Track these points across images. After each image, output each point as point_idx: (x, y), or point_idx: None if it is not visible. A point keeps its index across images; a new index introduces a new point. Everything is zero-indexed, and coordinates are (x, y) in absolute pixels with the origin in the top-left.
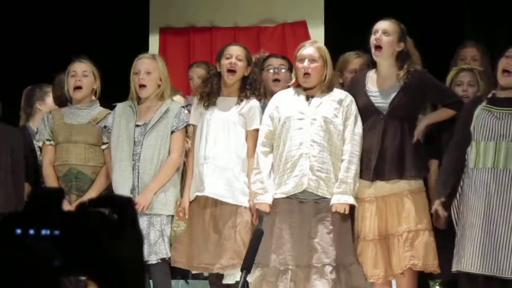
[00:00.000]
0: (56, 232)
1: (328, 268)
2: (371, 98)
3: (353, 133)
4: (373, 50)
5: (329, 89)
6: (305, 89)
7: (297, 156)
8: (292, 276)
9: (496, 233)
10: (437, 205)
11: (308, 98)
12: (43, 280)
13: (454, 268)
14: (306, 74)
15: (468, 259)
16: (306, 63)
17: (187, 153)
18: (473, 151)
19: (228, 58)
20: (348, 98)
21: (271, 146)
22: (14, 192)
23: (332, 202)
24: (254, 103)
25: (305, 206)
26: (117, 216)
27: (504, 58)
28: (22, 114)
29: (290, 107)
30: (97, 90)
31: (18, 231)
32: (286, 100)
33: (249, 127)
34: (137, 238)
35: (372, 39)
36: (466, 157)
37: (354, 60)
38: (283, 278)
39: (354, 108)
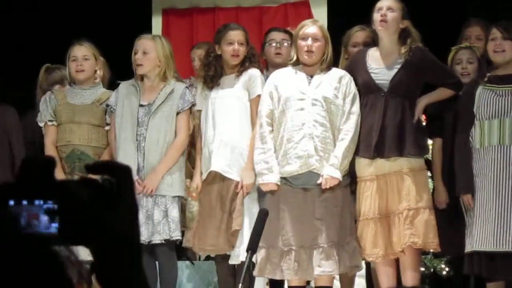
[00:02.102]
0: (50, 202)
1: (334, 248)
2: (372, 75)
3: (349, 111)
4: (377, 25)
5: (328, 68)
6: (304, 67)
7: (300, 137)
8: (296, 256)
9: (508, 209)
10: (467, 200)
11: (308, 77)
12: (38, 251)
13: (468, 249)
14: (310, 51)
15: (482, 238)
16: (310, 41)
17: (193, 136)
18: (477, 130)
19: (230, 44)
20: (347, 76)
21: (272, 125)
22: (10, 172)
23: (322, 174)
24: (253, 71)
25: (310, 189)
26: (115, 183)
27: (491, 41)
28: (39, 92)
29: (290, 87)
30: (98, 71)
31: (11, 202)
32: (285, 79)
33: (251, 96)
34: (133, 207)
35: (377, 16)
36: (471, 138)
37: (355, 34)
38: (286, 259)
39: (353, 86)
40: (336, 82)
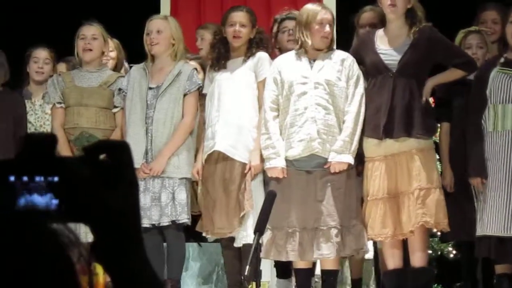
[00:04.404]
0: (50, 179)
1: (334, 231)
2: (381, 55)
3: (353, 93)
4: (386, 9)
5: (331, 49)
6: (308, 51)
7: (303, 121)
8: (299, 238)
9: None
10: (478, 184)
11: (310, 61)
12: (36, 227)
13: (479, 233)
14: (326, 37)
15: (492, 223)
16: (328, 28)
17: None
18: (491, 114)
19: (232, 25)
20: (349, 58)
21: (278, 110)
22: None
23: (329, 159)
24: (261, 54)
25: (312, 171)
26: (113, 161)
27: (511, 24)
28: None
29: (293, 72)
30: (106, 53)
31: (11, 178)
32: (288, 64)
33: (259, 78)
34: (133, 184)
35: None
36: (483, 121)
37: (362, 15)
38: (290, 241)
39: (356, 68)
40: (339, 65)
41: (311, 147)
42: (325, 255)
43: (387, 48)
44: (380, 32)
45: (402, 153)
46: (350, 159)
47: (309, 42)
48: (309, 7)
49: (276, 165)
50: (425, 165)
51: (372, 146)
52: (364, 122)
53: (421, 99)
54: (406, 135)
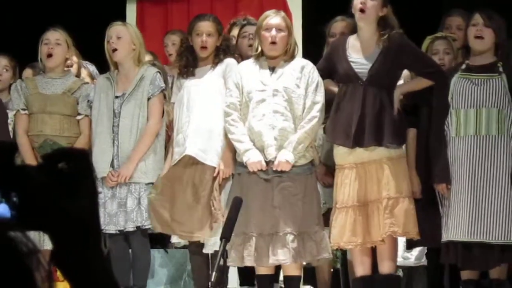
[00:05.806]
0: (9, 188)
1: (290, 237)
2: (352, 64)
3: (313, 101)
4: (357, 13)
5: (291, 58)
6: (268, 59)
7: (260, 128)
8: (255, 244)
9: (482, 199)
10: (442, 189)
11: (270, 69)
12: None
13: (444, 238)
14: (273, 43)
15: (457, 228)
16: (274, 32)
17: (168, 126)
18: (453, 119)
19: (198, 35)
20: (309, 65)
21: (240, 111)
22: None
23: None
24: (229, 60)
25: (270, 178)
26: (72, 169)
27: (472, 27)
28: None
29: (252, 79)
30: (70, 60)
31: None
32: (249, 72)
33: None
34: (92, 192)
35: (357, 3)
36: (445, 127)
37: (333, 24)
38: (247, 246)
39: (316, 75)
40: (298, 72)
41: (267, 153)
42: (280, 260)
43: (358, 57)
44: (352, 39)
45: (372, 161)
46: (290, 157)
47: (259, 48)
48: (264, 13)
49: (256, 156)
50: (395, 174)
51: (342, 154)
52: (335, 129)
53: (391, 108)
54: (376, 144)
